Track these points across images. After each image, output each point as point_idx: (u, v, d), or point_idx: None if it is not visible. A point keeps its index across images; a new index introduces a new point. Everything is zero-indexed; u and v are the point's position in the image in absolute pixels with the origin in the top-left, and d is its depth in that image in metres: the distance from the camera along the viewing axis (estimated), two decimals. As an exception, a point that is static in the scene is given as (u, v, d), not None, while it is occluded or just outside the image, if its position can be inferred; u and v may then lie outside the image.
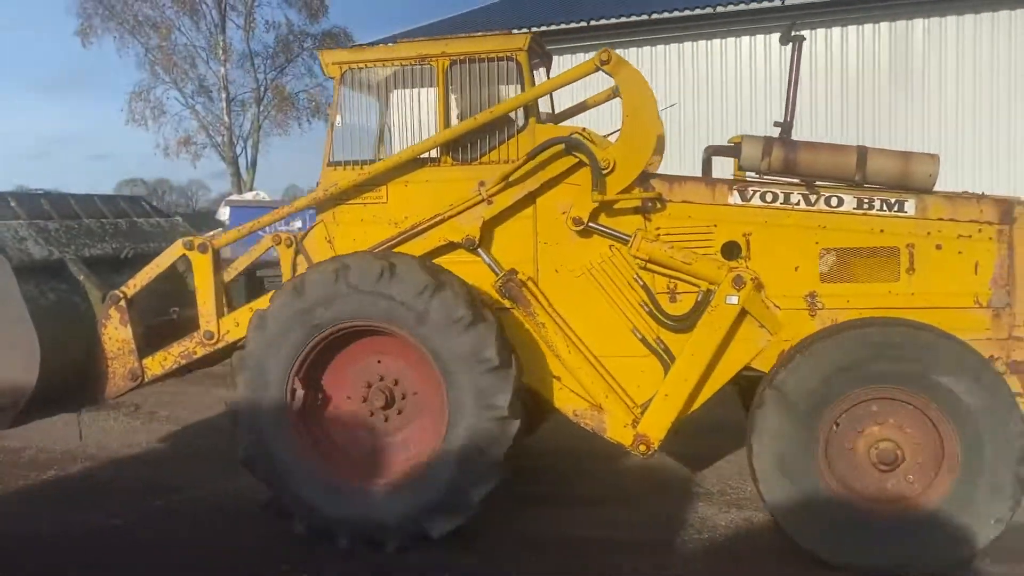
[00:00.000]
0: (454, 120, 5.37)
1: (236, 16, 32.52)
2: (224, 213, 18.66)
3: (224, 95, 32.34)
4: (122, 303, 5.54)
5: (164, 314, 5.88)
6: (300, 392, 4.99)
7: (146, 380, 5.68)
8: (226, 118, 33.08)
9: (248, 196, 21.04)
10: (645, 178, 5.17)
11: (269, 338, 4.95)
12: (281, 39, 33.19)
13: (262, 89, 33.28)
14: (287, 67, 33.83)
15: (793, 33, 5.53)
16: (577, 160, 5.09)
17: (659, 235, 5.16)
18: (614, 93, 5.78)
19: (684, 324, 5.07)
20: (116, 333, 5.57)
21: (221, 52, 32.21)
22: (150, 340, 5.74)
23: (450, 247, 5.31)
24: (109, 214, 6.42)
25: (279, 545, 4.99)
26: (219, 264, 5.69)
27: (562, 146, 5.08)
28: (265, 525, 5.18)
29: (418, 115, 5.47)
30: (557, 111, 6.37)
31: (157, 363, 5.64)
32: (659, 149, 5.28)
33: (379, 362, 5.13)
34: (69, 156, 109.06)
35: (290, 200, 10.24)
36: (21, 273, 5.23)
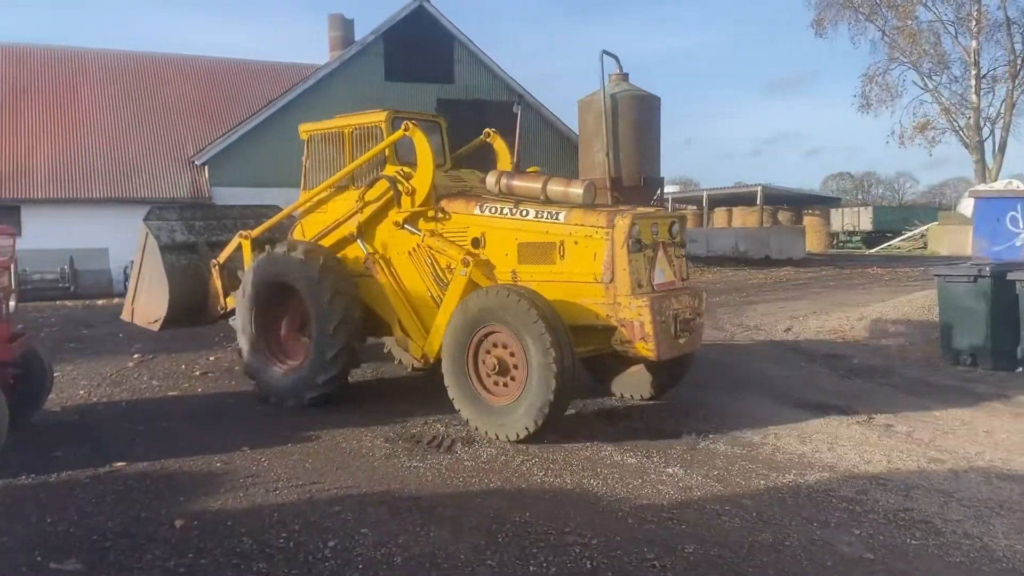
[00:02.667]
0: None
1: (992, -20, 27.90)
2: (966, 206, 16.76)
3: (974, 71, 29.13)
4: (216, 266, 9.46)
5: None
6: (259, 316, 8.59)
7: (225, 311, 9.50)
8: (974, 97, 29.76)
9: (998, 185, 18.83)
10: (438, 198, 8.06)
11: (246, 282, 8.65)
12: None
13: (1019, 61, 28.99)
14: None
15: (517, 105, 9.31)
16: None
17: (443, 233, 8.02)
18: (485, 139, 9.44)
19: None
20: (214, 283, 9.53)
21: (974, 23, 29.14)
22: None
23: (349, 238, 8.58)
24: (243, 217, 10.37)
25: None
26: (257, 247, 9.04)
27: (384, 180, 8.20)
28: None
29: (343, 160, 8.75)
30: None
31: (229, 302, 9.30)
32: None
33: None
34: (782, 153, 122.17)
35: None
36: (167, 248, 9.49)
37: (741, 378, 9.65)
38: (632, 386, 8.39)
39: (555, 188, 7.70)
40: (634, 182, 27.40)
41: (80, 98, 27.20)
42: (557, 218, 7.40)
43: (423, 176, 8.01)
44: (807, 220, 54.56)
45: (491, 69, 28.95)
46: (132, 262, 10.21)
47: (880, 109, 29.34)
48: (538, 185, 7.78)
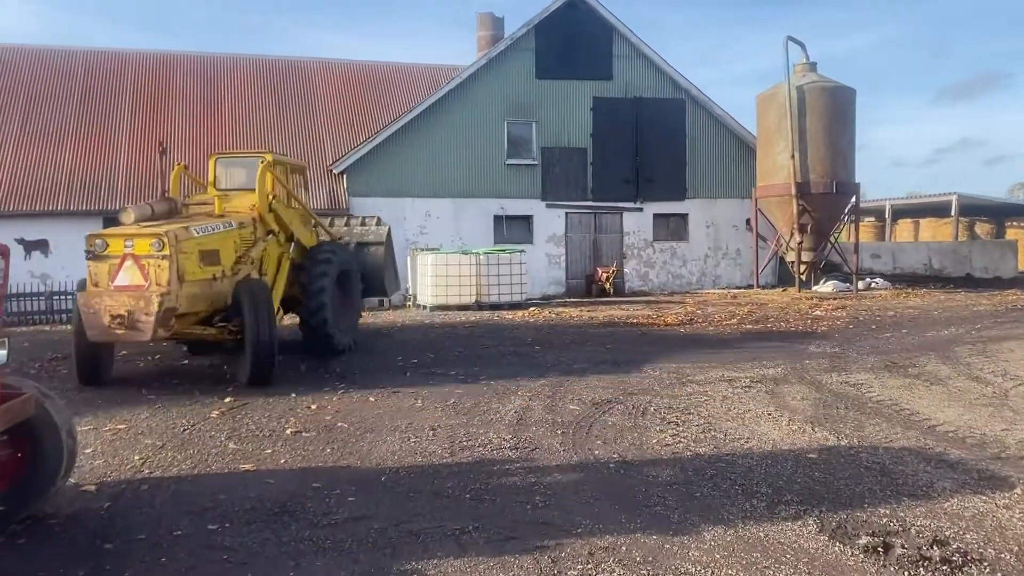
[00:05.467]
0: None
1: None
2: None
3: None
4: None
5: None
6: None
7: None
8: None
9: None
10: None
11: None
12: None
13: None
14: None
15: (161, 147, 15.39)
16: None
17: None
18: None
19: None
20: None
21: None
22: None
23: None
24: None
25: None
26: None
27: None
28: None
29: None
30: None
31: None
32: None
33: None
34: (962, 162, 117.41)
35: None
36: None
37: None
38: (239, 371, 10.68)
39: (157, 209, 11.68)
40: (824, 188, 23.52)
41: (220, 106, 26.38)
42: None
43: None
44: (1012, 233, 47.77)
45: (654, 63, 25.95)
46: None
47: None
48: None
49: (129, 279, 9.68)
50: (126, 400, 9.45)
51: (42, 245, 21.60)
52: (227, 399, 9.31)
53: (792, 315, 18.32)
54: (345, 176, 23.92)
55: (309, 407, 8.90)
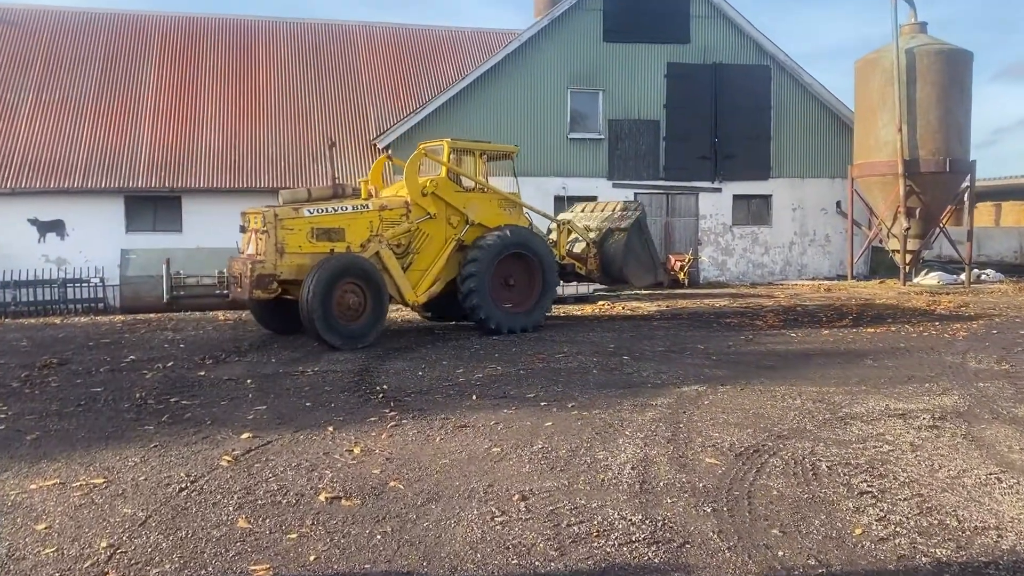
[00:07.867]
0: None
1: None
2: None
3: None
4: None
5: None
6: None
7: None
8: None
9: None
10: None
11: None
12: None
13: None
14: None
15: (331, 142, 15.47)
16: None
17: None
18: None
19: None
20: None
21: None
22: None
23: None
24: None
25: None
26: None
27: None
28: None
29: None
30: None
31: None
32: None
33: None
34: (1020, 142, 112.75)
35: None
36: None
37: None
38: None
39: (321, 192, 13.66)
40: (935, 167, 20.56)
41: (254, 73, 24.26)
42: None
43: None
44: (1108, 218, 43.94)
45: (737, 25, 23.22)
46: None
47: None
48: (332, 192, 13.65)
49: (252, 249, 11.76)
50: (115, 433, 7.31)
51: (58, 226, 19.75)
52: (244, 434, 7.13)
53: (910, 314, 15.69)
54: (390, 151, 21.69)
55: (350, 450, 6.66)
